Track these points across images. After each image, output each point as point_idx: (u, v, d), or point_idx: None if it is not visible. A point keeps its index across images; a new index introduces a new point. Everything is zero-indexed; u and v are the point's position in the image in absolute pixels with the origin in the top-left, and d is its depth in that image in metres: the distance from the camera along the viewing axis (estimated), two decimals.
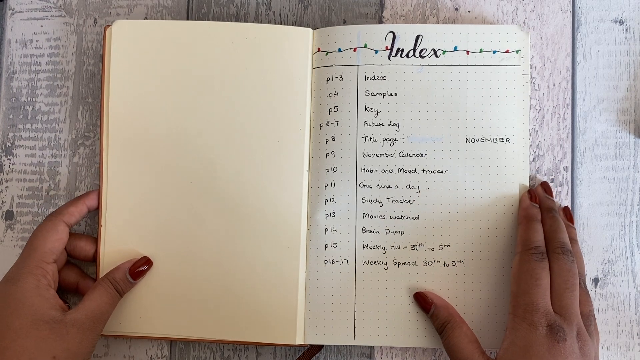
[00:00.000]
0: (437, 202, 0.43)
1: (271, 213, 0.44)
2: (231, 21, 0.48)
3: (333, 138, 0.44)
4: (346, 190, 0.44)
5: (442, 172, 0.43)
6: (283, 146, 0.44)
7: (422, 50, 0.44)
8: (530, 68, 0.46)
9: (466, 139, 0.43)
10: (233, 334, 0.43)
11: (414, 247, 0.43)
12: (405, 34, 0.44)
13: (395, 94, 0.44)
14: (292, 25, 0.47)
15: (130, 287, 0.43)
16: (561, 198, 0.45)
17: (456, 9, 0.47)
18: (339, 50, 0.44)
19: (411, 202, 0.43)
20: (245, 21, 0.48)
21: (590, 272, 0.45)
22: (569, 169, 0.46)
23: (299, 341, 0.43)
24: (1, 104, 0.48)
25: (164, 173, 0.44)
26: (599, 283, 0.45)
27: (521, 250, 0.40)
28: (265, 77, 0.44)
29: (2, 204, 0.47)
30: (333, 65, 0.44)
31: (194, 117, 0.44)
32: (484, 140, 0.43)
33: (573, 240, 0.42)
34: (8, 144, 0.47)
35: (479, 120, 0.43)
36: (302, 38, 0.44)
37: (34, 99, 0.48)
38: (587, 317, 0.39)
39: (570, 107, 0.46)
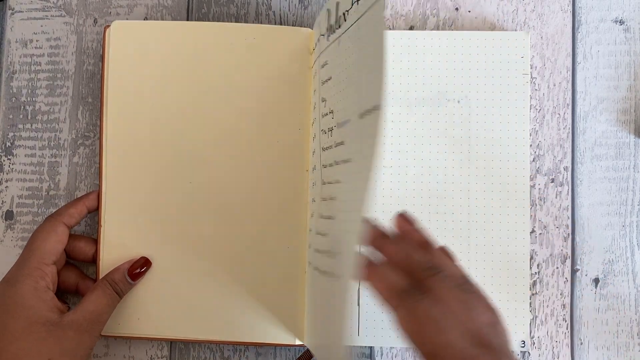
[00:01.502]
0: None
1: (271, 213, 0.44)
2: (231, 21, 0.48)
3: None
4: None
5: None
6: (283, 146, 0.44)
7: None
8: (531, 68, 0.46)
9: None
10: (234, 335, 0.43)
11: None
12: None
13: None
14: (292, 25, 0.47)
15: (130, 287, 0.43)
16: (561, 198, 0.45)
17: (456, 9, 0.47)
18: None
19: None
20: (246, 21, 0.48)
21: (590, 272, 0.45)
22: (569, 169, 0.46)
23: (300, 341, 0.43)
24: (1, 104, 0.48)
25: (164, 173, 0.44)
26: (599, 283, 0.45)
27: (394, 302, 0.33)
28: (264, 77, 0.44)
29: (2, 204, 0.47)
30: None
31: (194, 117, 0.44)
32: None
33: (425, 244, 0.36)
34: (8, 144, 0.47)
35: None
36: (301, 38, 0.44)
37: (34, 99, 0.48)
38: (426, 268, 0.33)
39: (570, 107, 0.46)
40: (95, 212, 0.44)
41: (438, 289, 0.32)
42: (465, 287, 0.34)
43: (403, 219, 0.38)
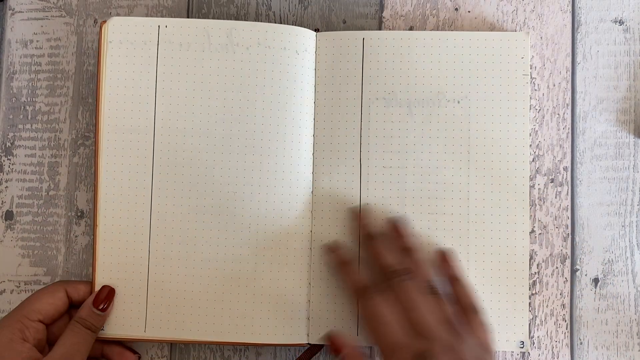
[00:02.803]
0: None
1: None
2: None
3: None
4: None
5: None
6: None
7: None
8: (530, 68, 0.46)
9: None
10: (236, 336, 0.43)
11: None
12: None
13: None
14: (293, 25, 0.47)
15: (103, 319, 0.42)
16: (561, 198, 0.46)
17: (456, 9, 0.47)
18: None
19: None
20: (246, 21, 0.48)
21: (590, 272, 0.45)
22: (569, 169, 0.46)
23: (303, 340, 0.43)
24: (1, 104, 0.48)
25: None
26: (599, 283, 0.45)
27: (356, 297, 0.38)
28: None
29: (2, 204, 0.47)
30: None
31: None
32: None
33: (406, 250, 0.40)
34: (8, 144, 0.47)
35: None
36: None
37: (34, 99, 0.48)
38: (468, 309, 0.37)
39: (570, 107, 0.46)
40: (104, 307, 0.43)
41: (397, 290, 0.36)
42: (427, 290, 0.37)
43: (393, 222, 0.42)
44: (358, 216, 0.42)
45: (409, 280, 0.36)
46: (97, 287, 0.43)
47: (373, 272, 0.36)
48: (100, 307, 0.42)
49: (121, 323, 0.43)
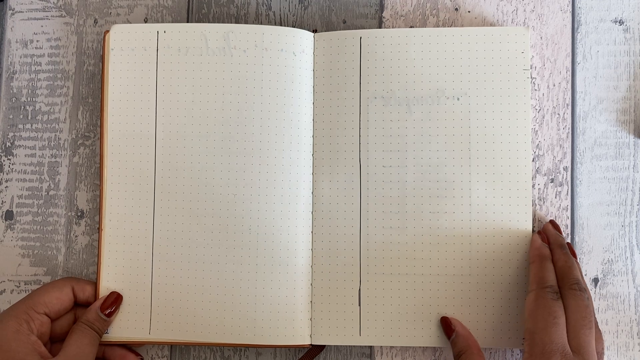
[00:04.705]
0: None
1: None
2: (231, 21, 0.48)
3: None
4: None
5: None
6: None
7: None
8: (530, 68, 0.46)
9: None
10: (239, 338, 0.43)
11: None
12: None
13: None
14: (292, 25, 0.47)
15: (107, 324, 0.42)
16: (561, 198, 0.45)
17: (456, 9, 0.47)
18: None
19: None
20: (246, 21, 0.48)
21: (590, 272, 0.45)
22: (569, 169, 0.46)
23: (306, 341, 0.43)
24: (1, 104, 0.48)
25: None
26: (599, 283, 0.45)
27: (536, 288, 0.40)
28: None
29: (2, 204, 0.47)
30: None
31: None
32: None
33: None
34: (8, 144, 0.47)
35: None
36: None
37: (34, 99, 0.48)
38: (600, 356, 0.39)
39: (570, 107, 0.46)
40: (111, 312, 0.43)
41: (579, 304, 0.38)
42: (593, 320, 0.39)
43: (555, 223, 0.45)
44: (551, 224, 0.44)
45: (588, 301, 0.39)
46: (102, 290, 0.43)
47: (552, 271, 0.41)
48: (107, 312, 0.42)
49: (126, 326, 0.43)
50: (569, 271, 0.40)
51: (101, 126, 0.45)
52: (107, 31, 0.45)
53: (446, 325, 0.42)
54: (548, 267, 0.41)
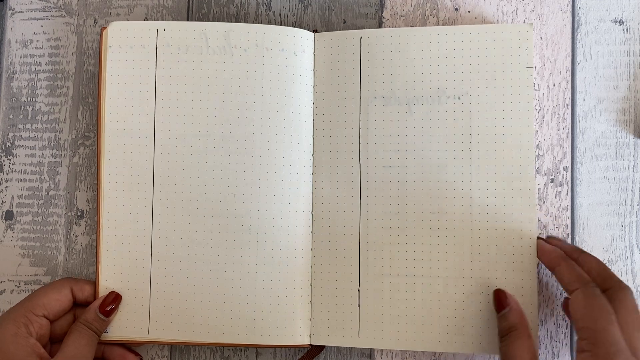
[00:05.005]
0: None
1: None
2: (231, 21, 0.48)
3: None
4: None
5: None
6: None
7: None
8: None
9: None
10: (239, 337, 0.43)
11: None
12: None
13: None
14: (292, 25, 0.47)
15: (106, 324, 0.43)
16: (561, 198, 0.45)
17: (456, 9, 0.47)
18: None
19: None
20: (246, 21, 0.48)
21: None
22: (569, 169, 0.46)
23: (305, 341, 0.43)
24: (1, 104, 0.48)
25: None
26: None
27: (580, 286, 0.38)
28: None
29: (2, 204, 0.47)
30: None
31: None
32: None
33: None
34: (8, 144, 0.47)
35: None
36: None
37: (34, 99, 0.48)
38: None
39: (570, 107, 0.46)
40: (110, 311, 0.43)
41: (622, 301, 0.37)
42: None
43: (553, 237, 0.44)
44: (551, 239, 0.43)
45: (635, 300, 0.37)
46: (101, 290, 0.43)
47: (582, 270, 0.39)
48: (107, 309, 0.42)
49: (124, 325, 0.43)
50: (607, 271, 0.39)
51: (98, 125, 0.44)
52: (104, 27, 0.45)
53: (500, 298, 0.41)
54: (576, 265, 0.40)
